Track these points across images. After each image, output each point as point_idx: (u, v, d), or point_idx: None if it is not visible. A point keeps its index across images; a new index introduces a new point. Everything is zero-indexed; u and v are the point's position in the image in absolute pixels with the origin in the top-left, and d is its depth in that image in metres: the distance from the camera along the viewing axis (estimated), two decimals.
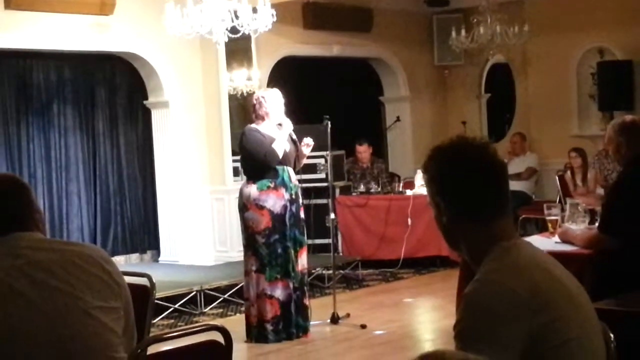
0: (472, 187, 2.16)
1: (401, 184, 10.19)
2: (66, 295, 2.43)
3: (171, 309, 7.57)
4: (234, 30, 7.49)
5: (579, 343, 2.05)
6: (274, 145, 6.51)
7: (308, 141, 6.70)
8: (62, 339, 2.39)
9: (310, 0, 10.53)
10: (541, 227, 8.73)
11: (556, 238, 5.04)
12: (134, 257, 9.84)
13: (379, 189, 10.02)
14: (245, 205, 6.59)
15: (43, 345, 2.38)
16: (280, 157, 6.54)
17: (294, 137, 6.69)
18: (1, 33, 8.02)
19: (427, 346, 6.65)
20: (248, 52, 9.76)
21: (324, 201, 9.37)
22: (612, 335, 2.31)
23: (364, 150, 10.63)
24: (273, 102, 6.60)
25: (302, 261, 6.69)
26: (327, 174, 8.26)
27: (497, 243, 2.15)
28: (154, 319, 6.94)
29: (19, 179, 2.78)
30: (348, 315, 7.22)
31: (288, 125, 6.64)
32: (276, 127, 6.61)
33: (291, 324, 6.58)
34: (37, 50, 8.62)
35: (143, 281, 3.47)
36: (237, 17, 7.39)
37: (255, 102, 6.70)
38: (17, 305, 2.40)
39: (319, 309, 7.20)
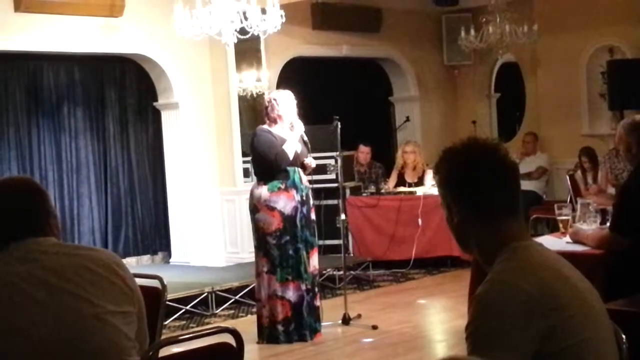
0: (483, 188, 2.17)
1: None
2: (79, 300, 2.44)
3: (182, 311, 7.58)
4: (243, 31, 7.49)
5: (590, 344, 2.04)
6: (284, 147, 6.50)
7: (309, 162, 6.67)
8: (76, 343, 2.40)
9: (319, 0, 10.53)
10: (552, 227, 8.71)
11: (567, 238, 5.02)
12: (145, 258, 9.85)
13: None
14: (256, 206, 6.59)
15: (56, 348, 2.39)
16: (291, 158, 6.53)
17: (305, 138, 6.69)
18: (11, 35, 8.05)
19: (439, 347, 6.65)
20: (257, 53, 9.76)
21: (334, 202, 9.35)
22: (624, 337, 2.30)
23: (366, 152, 10.66)
24: (285, 104, 6.58)
25: (313, 262, 6.68)
26: (337, 175, 8.24)
27: (509, 244, 2.15)
28: (166, 321, 6.96)
29: (35, 183, 2.77)
30: (359, 316, 7.21)
31: (299, 127, 6.63)
32: (288, 128, 6.61)
33: (303, 325, 6.58)
34: (47, 52, 8.64)
35: (154, 283, 3.47)
36: (246, 18, 7.39)
37: (267, 104, 6.69)
38: (30, 310, 2.41)
39: (330, 310, 7.20)
